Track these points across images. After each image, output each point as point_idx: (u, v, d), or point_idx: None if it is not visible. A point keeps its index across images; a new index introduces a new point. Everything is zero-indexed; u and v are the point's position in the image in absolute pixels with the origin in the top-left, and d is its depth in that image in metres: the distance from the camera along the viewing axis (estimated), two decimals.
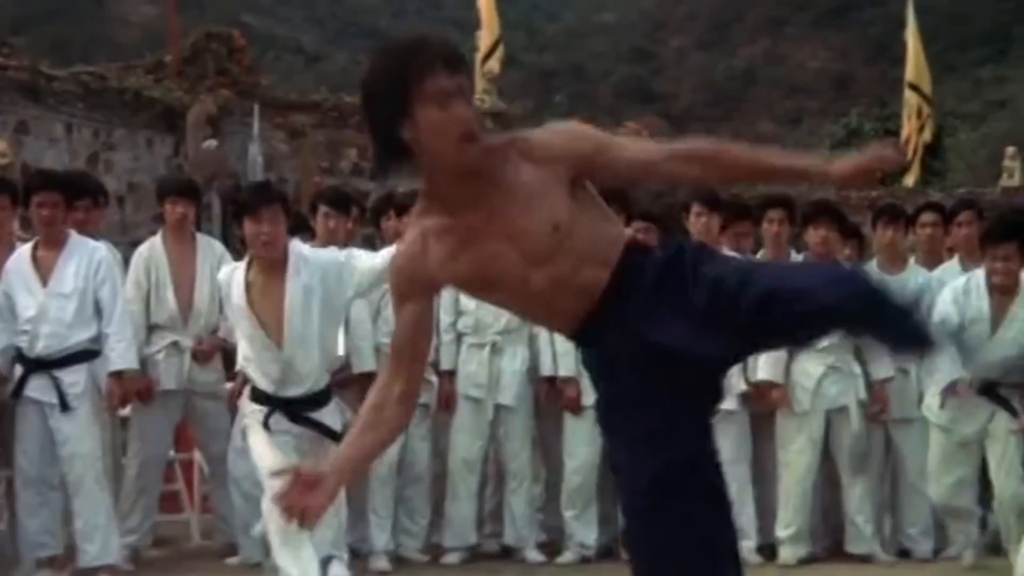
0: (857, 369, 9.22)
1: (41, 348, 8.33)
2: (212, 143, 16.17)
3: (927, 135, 23.50)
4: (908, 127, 23.51)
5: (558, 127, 4.07)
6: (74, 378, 8.32)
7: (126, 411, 9.25)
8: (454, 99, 3.87)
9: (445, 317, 9.24)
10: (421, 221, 4.03)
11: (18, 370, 8.40)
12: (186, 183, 10.05)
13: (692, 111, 51.38)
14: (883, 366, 9.21)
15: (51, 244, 8.46)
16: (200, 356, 9.17)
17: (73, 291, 8.36)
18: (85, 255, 8.45)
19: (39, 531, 8.30)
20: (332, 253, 8.09)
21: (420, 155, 3.91)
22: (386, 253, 7.65)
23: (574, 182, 3.95)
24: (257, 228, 7.70)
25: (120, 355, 8.39)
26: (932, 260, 9.77)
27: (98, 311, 8.43)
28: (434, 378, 9.16)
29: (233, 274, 7.91)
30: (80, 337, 8.34)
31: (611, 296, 3.97)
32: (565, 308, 4.02)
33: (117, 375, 8.44)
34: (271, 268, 7.78)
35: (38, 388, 8.31)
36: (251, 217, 7.74)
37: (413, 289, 4.05)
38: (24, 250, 8.51)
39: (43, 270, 8.41)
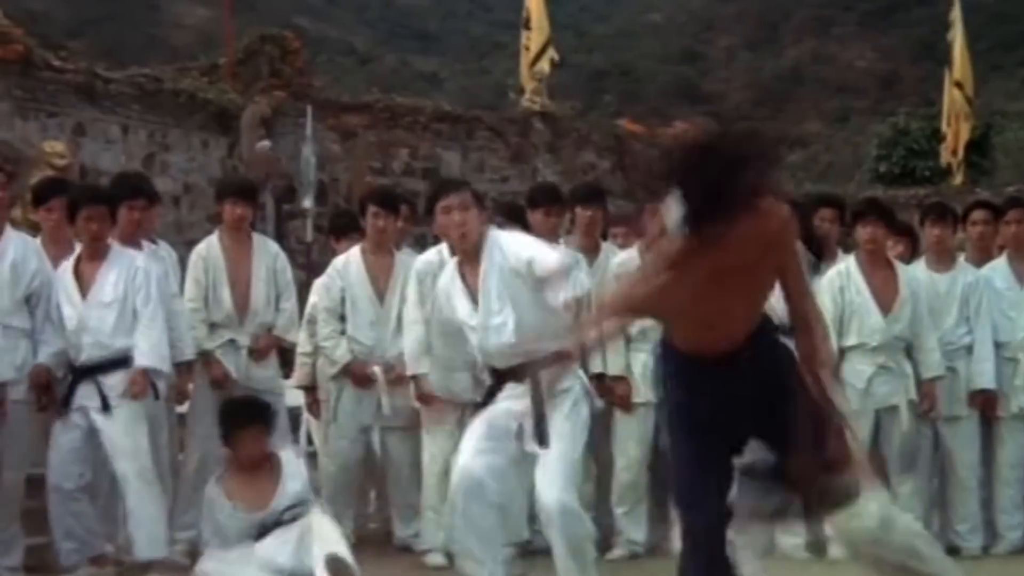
0: (908, 368, 9.24)
1: (84, 358, 8.37)
2: (266, 144, 16.29)
3: (964, 133, 23.37)
4: (954, 125, 23.38)
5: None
6: (115, 379, 8.34)
7: (183, 408, 9.38)
8: None
9: None
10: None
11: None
12: (246, 185, 10.16)
13: (740, 110, 51.23)
14: (933, 365, 9.25)
15: (94, 256, 8.50)
16: (257, 353, 9.30)
17: (113, 300, 8.39)
18: (125, 265, 8.48)
19: (64, 537, 8.31)
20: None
21: None
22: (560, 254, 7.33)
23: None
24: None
25: (143, 353, 8.38)
26: (982, 258, 9.79)
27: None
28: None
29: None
30: (122, 344, 8.37)
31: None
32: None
33: (143, 371, 8.48)
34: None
35: (84, 395, 8.34)
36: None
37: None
38: (68, 263, 8.56)
39: (84, 281, 8.45)
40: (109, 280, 8.42)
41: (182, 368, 8.96)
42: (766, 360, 5.33)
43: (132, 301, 8.43)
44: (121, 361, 8.38)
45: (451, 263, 7.41)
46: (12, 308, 8.37)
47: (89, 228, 8.44)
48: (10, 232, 8.63)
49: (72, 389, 8.36)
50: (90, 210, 8.46)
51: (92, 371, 8.36)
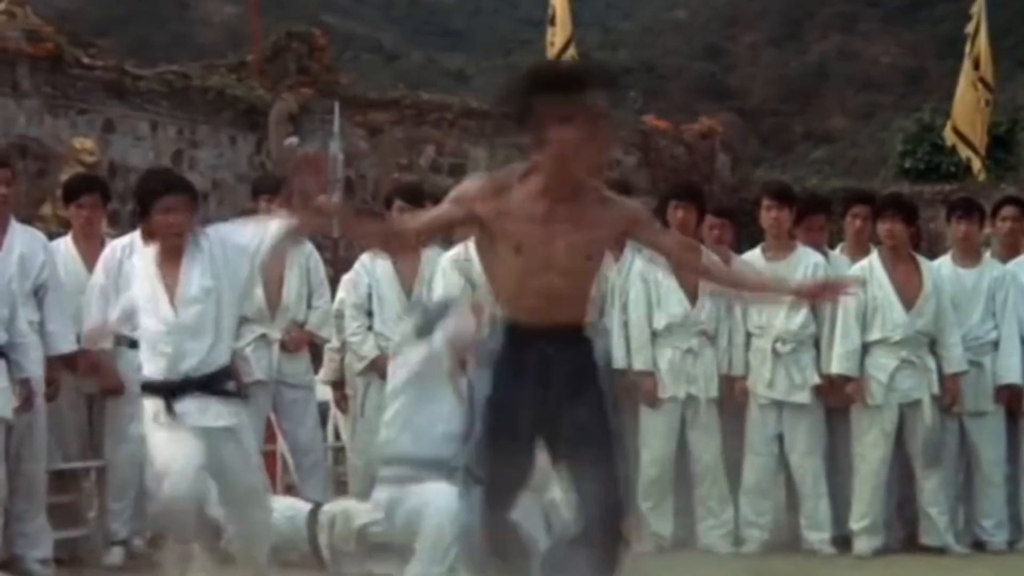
0: (931, 363, 9.28)
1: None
2: (294, 140, 16.37)
3: (980, 129, 23.11)
4: (972, 119, 23.10)
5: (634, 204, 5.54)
6: None
7: None
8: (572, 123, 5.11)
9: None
10: (525, 181, 5.25)
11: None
12: (281, 182, 10.17)
13: (765, 107, 51.28)
14: (956, 360, 9.29)
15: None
16: (288, 347, 9.32)
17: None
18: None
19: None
20: None
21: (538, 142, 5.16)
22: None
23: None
24: None
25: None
26: (1009, 253, 9.81)
27: None
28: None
29: None
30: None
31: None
32: (536, 305, 5.25)
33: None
34: None
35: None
36: None
37: (464, 204, 5.29)
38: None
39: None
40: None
41: None
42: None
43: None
44: None
45: None
46: (22, 301, 8.39)
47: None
48: (15, 226, 8.65)
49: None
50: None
51: None
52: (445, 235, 5.53)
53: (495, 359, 5.37)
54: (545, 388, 5.30)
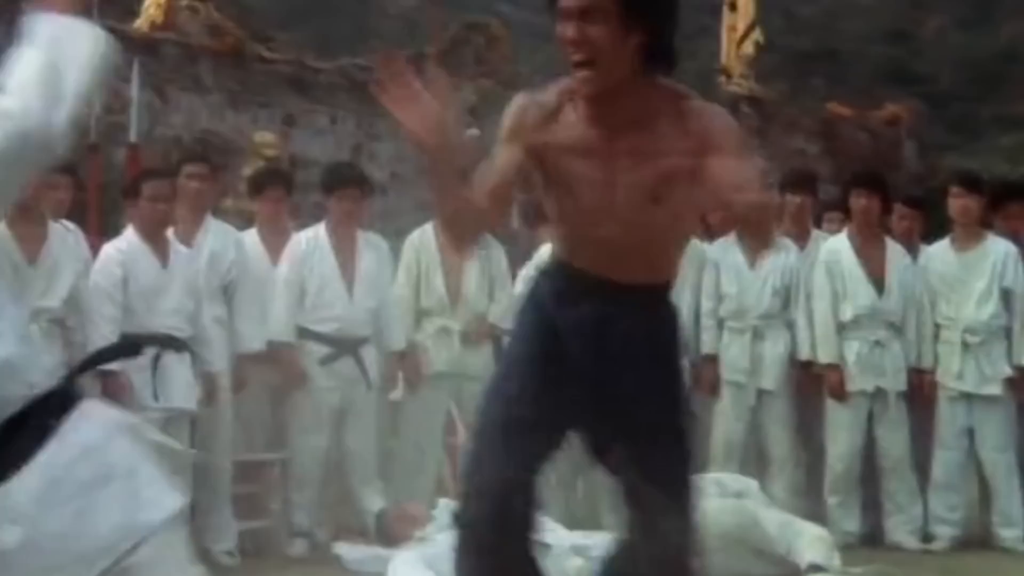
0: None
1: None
2: (474, 132, 16.36)
3: None
4: None
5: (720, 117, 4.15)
6: None
7: (396, 395, 9.42)
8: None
9: (707, 302, 9.29)
10: (575, 99, 4.11)
11: None
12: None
13: (952, 92, 50.19)
14: None
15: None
16: (471, 336, 9.28)
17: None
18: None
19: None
20: None
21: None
22: None
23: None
24: None
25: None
26: None
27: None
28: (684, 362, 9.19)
29: None
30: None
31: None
32: (602, 260, 4.18)
33: None
34: None
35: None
36: None
37: (521, 136, 4.16)
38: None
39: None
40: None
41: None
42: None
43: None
44: None
45: None
46: (209, 296, 8.50)
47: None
48: (211, 222, 8.81)
49: None
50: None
51: None
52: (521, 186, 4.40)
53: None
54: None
